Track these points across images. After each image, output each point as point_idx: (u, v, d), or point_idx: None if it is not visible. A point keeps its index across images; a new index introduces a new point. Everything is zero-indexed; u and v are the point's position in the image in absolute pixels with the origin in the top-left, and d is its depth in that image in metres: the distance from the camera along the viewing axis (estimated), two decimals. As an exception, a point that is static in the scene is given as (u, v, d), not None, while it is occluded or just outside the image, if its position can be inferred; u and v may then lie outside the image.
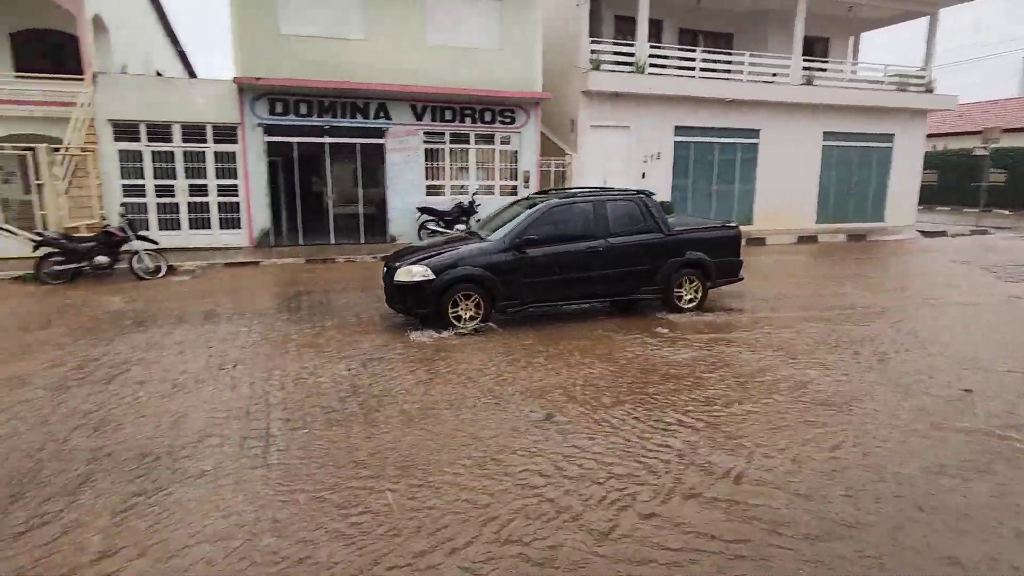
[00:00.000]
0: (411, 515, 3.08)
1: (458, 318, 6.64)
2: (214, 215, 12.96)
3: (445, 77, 13.62)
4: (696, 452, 3.78)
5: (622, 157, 15.67)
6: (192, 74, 23.97)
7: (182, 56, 23.05)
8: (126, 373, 5.30)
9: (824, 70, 17.45)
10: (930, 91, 18.07)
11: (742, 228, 16.66)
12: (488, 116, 14.39)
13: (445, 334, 6.48)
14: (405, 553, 2.77)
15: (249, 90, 12.54)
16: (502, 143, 14.75)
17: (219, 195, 12.91)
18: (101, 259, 9.83)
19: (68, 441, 3.93)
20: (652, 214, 7.36)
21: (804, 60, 16.86)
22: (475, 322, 6.66)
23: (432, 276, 6.50)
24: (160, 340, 6.35)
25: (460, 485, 3.39)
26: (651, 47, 15.54)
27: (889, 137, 18.23)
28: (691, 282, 7.53)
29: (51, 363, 5.57)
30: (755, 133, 16.81)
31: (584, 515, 3.08)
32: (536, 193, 8.07)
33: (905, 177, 18.52)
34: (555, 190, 7.88)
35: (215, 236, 12.98)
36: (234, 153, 12.82)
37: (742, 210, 17.06)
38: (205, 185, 12.80)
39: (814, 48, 19.01)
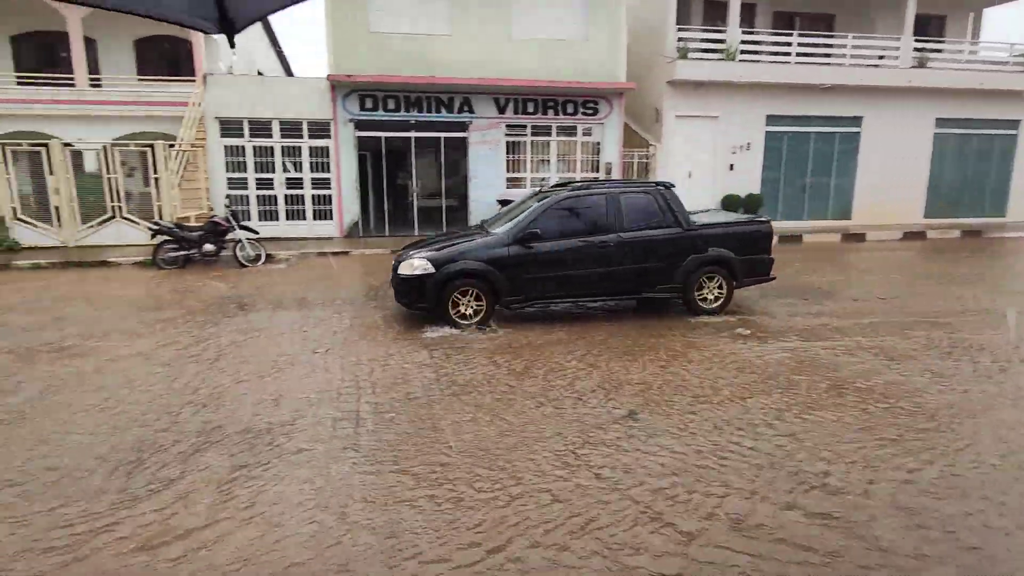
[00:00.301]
0: (491, 501, 3.13)
1: (461, 315, 6.50)
2: (308, 207, 13.68)
3: (529, 70, 13.65)
4: (790, 459, 3.60)
5: (709, 148, 15.12)
6: (289, 73, 25.32)
7: (280, 56, 24.39)
8: (230, 354, 5.70)
9: (939, 51, 16.02)
10: (1066, 71, 16.18)
11: (839, 223, 15.78)
12: (571, 108, 14.29)
13: (500, 331, 6.50)
14: (490, 537, 2.82)
15: (341, 87, 13.10)
16: (584, 135, 14.61)
17: (313, 188, 13.60)
18: (208, 247, 10.62)
19: (181, 414, 4.29)
20: (671, 208, 6.90)
21: (916, 40, 15.54)
22: (476, 319, 6.48)
23: (432, 270, 6.38)
24: (260, 324, 6.79)
25: (543, 473, 3.41)
26: (743, 32, 14.84)
27: (1014, 124, 16.53)
28: (715, 281, 7.01)
29: (166, 342, 6.09)
30: (857, 121, 15.72)
31: (669, 517, 3.01)
32: (555, 186, 7.66)
33: (1032, 167, 16.73)
34: (575, 182, 7.54)
35: (309, 226, 13.70)
36: (327, 148, 13.46)
37: (838, 204, 16.05)
38: (301, 178, 13.53)
39: (928, 27, 17.47)
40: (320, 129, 13.41)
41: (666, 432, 3.95)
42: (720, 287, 7.04)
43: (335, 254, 11.94)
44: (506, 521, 2.97)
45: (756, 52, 14.97)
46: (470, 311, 6.54)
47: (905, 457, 3.60)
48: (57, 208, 12.25)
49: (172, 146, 12.50)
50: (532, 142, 14.42)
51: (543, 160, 14.64)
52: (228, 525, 2.95)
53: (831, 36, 15.64)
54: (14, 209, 12.33)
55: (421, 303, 6.55)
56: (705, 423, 4.09)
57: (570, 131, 14.53)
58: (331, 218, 13.79)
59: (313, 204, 13.70)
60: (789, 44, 15.03)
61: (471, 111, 13.84)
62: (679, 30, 14.49)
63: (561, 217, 6.71)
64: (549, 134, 14.46)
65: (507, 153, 14.31)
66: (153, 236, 10.59)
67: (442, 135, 13.95)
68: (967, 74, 15.73)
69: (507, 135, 14.20)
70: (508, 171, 14.40)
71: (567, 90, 13.89)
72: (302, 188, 13.58)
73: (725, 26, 14.73)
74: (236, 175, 13.30)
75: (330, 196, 13.69)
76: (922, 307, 7.40)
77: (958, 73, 15.71)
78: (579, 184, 7.27)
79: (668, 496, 3.19)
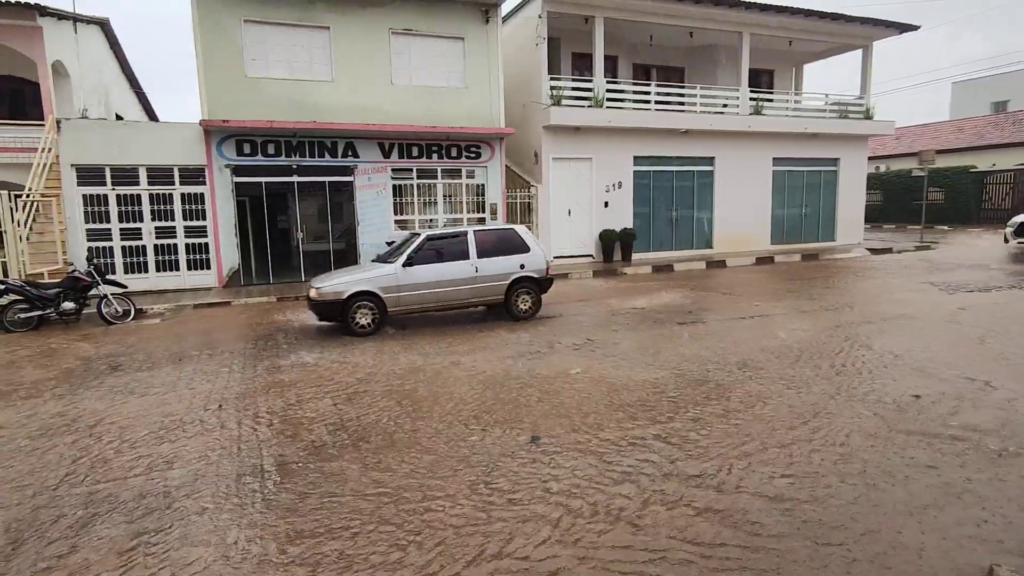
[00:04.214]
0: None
1: None
2: (182, 256, 12.89)
3: (411, 115, 14.01)
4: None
5: (585, 187, 16.22)
6: (151, 115, 23.84)
7: (141, 97, 22.94)
8: (109, 419, 5.28)
9: (771, 100, 18.47)
10: (869, 117, 19.28)
11: (703, 252, 17.33)
12: (454, 152, 14.77)
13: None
14: None
15: (216, 132, 12.64)
16: (468, 177, 15.12)
17: (187, 236, 12.86)
18: (68, 305, 9.69)
19: (59, 488, 3.94)
20: None
21: (751, 91, 17.85)
22: None
23: None
24: (134, 385, 6.32)
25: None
26: (608, 82, 16.25)
27: (834, 161, 19.31)
28: None
29: (29, 412, 5.51)
30: (710, 161, 17.61)
31: None
32: None
33: (851, 198, 19.58)
34: None
35: (183, 278, 12.89)
36: (202, 194, 12.84)
37: (701, 235, 17.77)
38: (173, 227, 12.76)
39: (760, 79, 20.13)
40: (193, 175, 12.78)
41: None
42: None
43: (215, 305, 11.33)
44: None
45: (621, 100, 16.42)
46: None
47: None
48: None
49: (19, 196, 11.33)
50: (418, 185, 14.69)
51: (430, 202, 14.93)
52: (131, 596, 2.79)
53: (682, 86, 17.54)
54: None
55: None
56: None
57: (455, 174, 14.99)
58: (209, 267, 13.07)
59: (187, 253, 12.93)
60: (648, 93, 16.66)
61: (355, 155, 13.88)
62: (551, 79, 15.58)
63: None
64: (435, 177, 14.81)
65: (394, 196, 14.45)
66: (-1, 296, 9.45)
67: (327, 179, 13.82)
68: (794, 120, 18.27)
69: (393, 178, 14.36)
70: (396, 214, 14.52)
71: (450, 135, 14.38)
72: (174, 237, 12.79)
73: (592, 76, 16.07)
74: (97, 226, 12.28)
75: (207, 244, 13.00)
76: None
77: (787, 119, 18.21)
78: None
79: None
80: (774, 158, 18.33)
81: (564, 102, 15.43)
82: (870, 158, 21.34)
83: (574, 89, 15.93)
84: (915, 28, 18.73)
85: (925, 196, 20.76)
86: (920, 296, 10.07)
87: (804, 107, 19.30)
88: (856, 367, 6.05)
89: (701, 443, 4.32)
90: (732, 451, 4.16)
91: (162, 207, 12.66)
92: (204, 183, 12.81)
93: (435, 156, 14.63)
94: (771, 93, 18.92)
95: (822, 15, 17.27)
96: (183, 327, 9.58)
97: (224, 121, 12.30)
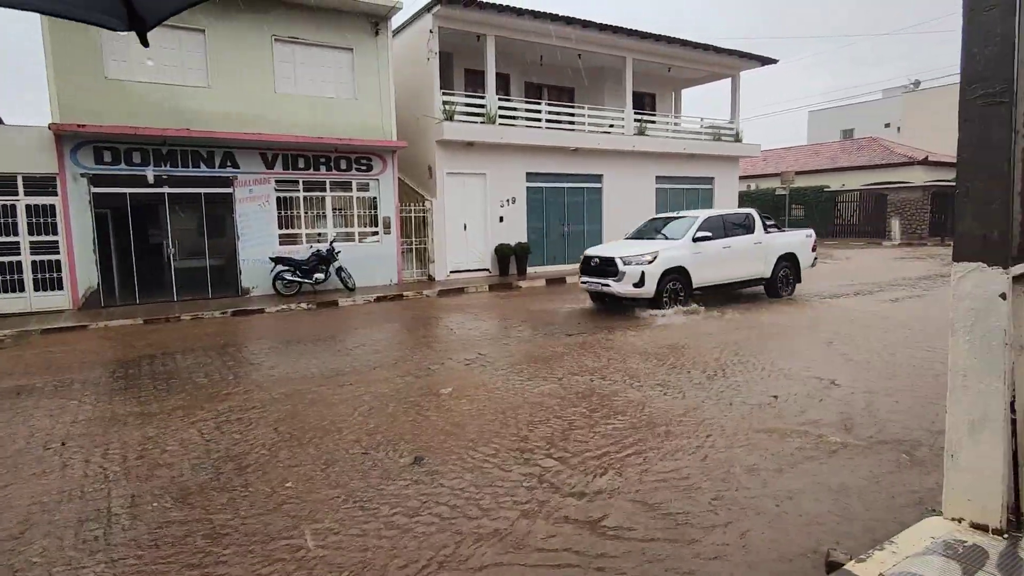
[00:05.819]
0: None
1: None
2: (28, 276, 11.45)
3: (297, 125, 13.45)
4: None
5: (480, 202, 16.31)
6: (-4, 118, 21.18)
7: (-18, 97, 20.33)
8: (-86, 467, 4.49)
9: (653, 121, 19.61)
10: (739, 140, 20.99)
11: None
12: (344, 164, 14.33)
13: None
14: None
15: (69, 138, 11.42)
16: (359, 190, 14.72)
17: (34, 253, 11.46)
18: None
19: None
20: None
21: (635, 112, 18.87)
22: None
23: None
24: (-40, 424, 5.47)
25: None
26: (500, 99, 16.51)
27: (710, 180, 20.81)
28: None
29: None
30: (599, 178, 18.36)
31: None
32: None
33: (726, 214, 21.14)
34: None
35: (29, 299, 11.46)
36: (53, 206, 11.52)
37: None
38: (16, 243, 11.32)
39: (644, 102, 21.34)
40: (42, 185, 11.43)
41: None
42: None
43: (67, 329, 10.15)
44: None
45: (513, 117, 16.73)
46: None
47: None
48: None
49: None
50: (305, 198, 14.08)
51: (319, 215, 14.35)
52: None
53: (572, 106, 18.19)
54: None
55: None
56: (485, 458, 4.37)
57: (346, 187, 14.53)
58: (61, 287, 11.71)
59: (35, 272, 11.51)
60: (539, 111, 17.11)
61: (235, 166, 13.07)
62: (444, 94, 15.57)
63: None
64: (323, 190, 14.26)
65: (280, 209, 13.74)
66: None
67: (202, 191, 12.88)
68: (674, 141, 19.51)
69: (278, 191, 13.66)
70: (282, 227, 13.80)
71: (337, 147, 13.93)
72: (18, 254, 11.35)
73: (484, 92, 16.26)
74: (-82, 241, 10.66)
75: (59, 262, 11.65)
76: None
77: (668, 140, 19.40)
78: None
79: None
80: (657, 176, 19.43)
81: (457, 118, 15.46)
82: (741, 177, 23.23)
83: (467, 105, 16.03)
84: (774, 62, 20.68)
85: (788, 212, 22.89)
86: (779, 304, 11.02)
87: (683, 129, 20.68)
88: (724, 372, 6.46)
89: (580, 453, 4.38)
90: (609, 458, 4.26)
91: (3, 220, 11.21)
92: (55, 194, 11.50)
93: (323, 168, 14.10)
94: (653, 115, 20.12)
95: (695, 45, 18.62)
96: (24, 356, 8.47)
97: (79, 126, 11.14)
